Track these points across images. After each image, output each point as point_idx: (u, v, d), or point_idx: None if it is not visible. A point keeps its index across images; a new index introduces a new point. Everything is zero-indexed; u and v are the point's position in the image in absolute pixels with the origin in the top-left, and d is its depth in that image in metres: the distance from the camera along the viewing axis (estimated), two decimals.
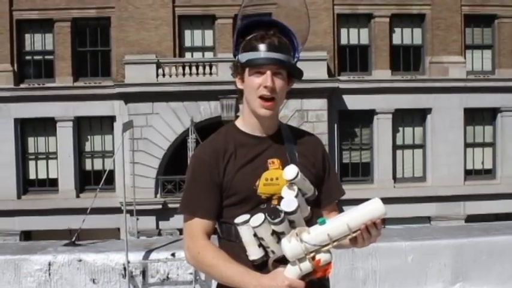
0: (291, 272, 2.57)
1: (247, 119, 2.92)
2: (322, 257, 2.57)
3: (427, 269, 5.76)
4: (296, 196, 2.64)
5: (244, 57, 2.82)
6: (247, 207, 2.78)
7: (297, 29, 2.90)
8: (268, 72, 2.76)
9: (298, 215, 2.62)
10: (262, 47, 2.77)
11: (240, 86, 2.91)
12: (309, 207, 2.77)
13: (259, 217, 2.62)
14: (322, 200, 2.98)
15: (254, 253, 2.68)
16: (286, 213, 2.58)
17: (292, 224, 2.61)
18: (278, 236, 2.61)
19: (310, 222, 2.69)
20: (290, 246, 2.55)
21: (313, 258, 2.56)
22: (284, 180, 2.70)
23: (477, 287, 5.80)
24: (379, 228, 2.63)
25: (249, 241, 2.68)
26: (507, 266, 5.86)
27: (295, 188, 2.66)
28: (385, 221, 2.64)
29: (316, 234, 2.56)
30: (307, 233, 2.56)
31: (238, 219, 2.69)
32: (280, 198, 2.68)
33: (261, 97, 2.79)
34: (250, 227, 2.63)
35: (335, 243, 2.58)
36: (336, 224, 2.60)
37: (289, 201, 2.61)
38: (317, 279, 2.64)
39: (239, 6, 3.00)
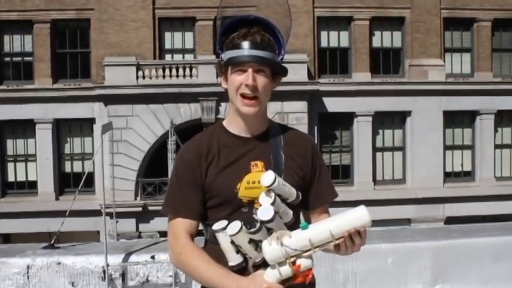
0: (270, 276, 2.54)
1: (233, 119, 2.88)
2: (302, 263, 2.53)
3: (407, 270, 5.78)
4: (273, 203, 2.58)
5: (226, 55, 2.79)
6: (229, 210, 2.75)
7: (281, 25, 2.88)
8: (250, 70, 2.73)
9: (276, 222, 2.57)
10: (243, 44, 2.74)
11: (224, 85, 2.87)
12: (291, 212, 2.71)
13: (235, 225, 2.59)
14: (310, 203, 2.94)
15: (233, 259, 2.65)
16: (262, 222, 2.54)
17: (270, 232, 2.57)
18: (256, 243, 2.59)
19: (293, 227, 2.63)
20: (270, 249, 2.51)
21: (294, 263, 2.52)
22: None
23: None
24: (363, 237, 2.58)
25: (227, 248, 2.65)
26: (486, 268, 5.89)
27: (272, 194, 2.61)
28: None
29: (297, 238, 2.52)
30: (288, 237, 2.52)
31: (216, 226, 2.66)
32: None
33: (243, 95, 2.76)
34: (227, 234, 2.61)
35: (317, 249, 2.54)
36: (319, 229, 2.56)
37: (265, 210, 2.55)
38: (299, 285, 2.60)
39: (222, 9, 2.98)
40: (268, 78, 2.79)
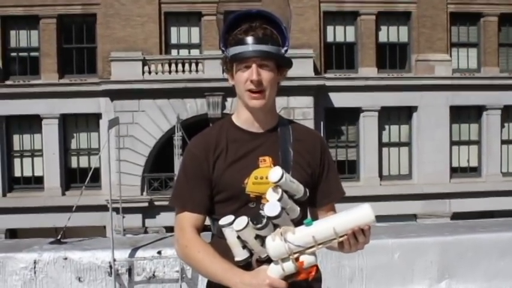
0: (273, 271, 2.55)
1: (242, 114, 2.89)
2: (306, 259, 2.54)
3: (413, 266, 5.78)
4: (280, 199, 2.58)
5: (230, 52, 2.79)
6: (236, 205, 2.77)
7: (280, 14, 2.88)
8: (254, 66, 2.74)
9: (282, 218, 2.57)
10: (245, 40, 2.75)
11: (231, 81, 2.88)
12: (298, 209, 2.70)
13: (242, 221, 2.59)
14: (318, 200, 2.95)
15: (239, 254, 2.66)
16: (269, 218, 2.54)
17: (277, 228, 2.57)
18: (262, 239, 2.59)
19: (300, 223, 2.62)
20: (274, 245, 2.52)
21: (297, 259, 2.53)
22: None
23: (463, 284, 5.82)
24: (367, 235, 2.59)
25: (233, 242, 2.65)
26: (493, 263, 5.88)
27: (280, 190, 2.60)
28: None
29: (301, 235, 2.53)
30: (292, 233, 2.53)
31: (222, 221, 2.67)
32: None
33: (249, 90, 2.77)
34: (233, 229, 2.61)
35: (320, 246, 2.55)
36: (322, 227, 2.56)
37: (272, 206, 2.55)
38: (305, 282, 2.61)
39: (222, 3, 2.98)
40: (273, 71, 2.79)
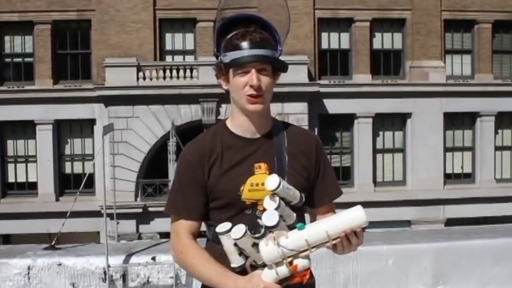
0: (267, 276, 2.56)
1: (237, 120, 2.86)
2: (299, 263, 2.54)
3: (407, 272, 5.78)
4: (277, 207, 2.58)
5: (227, 57, 2.76)
6: (232, 212, 2.76)
7: (278, 20, 2.87)
8: (253, 71, 2.72)
9: (280, 227, 2.56)
10: (244, 44, 2.72)
11: (225, 86, 2.85)
12: (294, 215, 2.70)
13: (240, 229, 2.58)
14: (316, 201, 2.95)
15: (235, 261, 2.65)
16: (267, 227, 2.54)
17: None
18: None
19: (294, 228, 2.61)
20: (267, 249, 2.52)
21: (291, 263, 2.53)
22: None
23: None
24: (360, 237, 2.58)
25: (229, 250, 2.65)
26: (487, 270, 5.88)
27: (277, 199, 2.60)
28: (365, 227, 2.59)
29: (294, 239, 2.53)
30: (285, 237, 2.52)
31: (220, 228, 2.66)
32: None
33: (249, 95, 2.74)
34: (230, 237, 2.61)
35: (313, 250, 2.54)
36: (315, 230, 2.56)
37: (270, 215, 2.55)
38: (299, 285, 2.61)
39: (221, 11, 2.96)
40: (270, 76, 2.78)
